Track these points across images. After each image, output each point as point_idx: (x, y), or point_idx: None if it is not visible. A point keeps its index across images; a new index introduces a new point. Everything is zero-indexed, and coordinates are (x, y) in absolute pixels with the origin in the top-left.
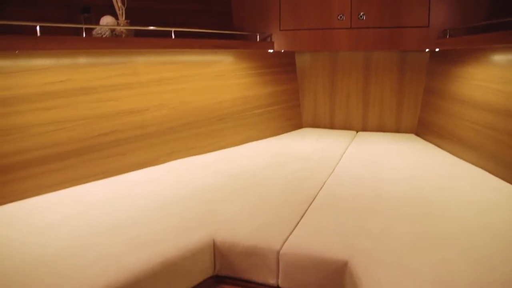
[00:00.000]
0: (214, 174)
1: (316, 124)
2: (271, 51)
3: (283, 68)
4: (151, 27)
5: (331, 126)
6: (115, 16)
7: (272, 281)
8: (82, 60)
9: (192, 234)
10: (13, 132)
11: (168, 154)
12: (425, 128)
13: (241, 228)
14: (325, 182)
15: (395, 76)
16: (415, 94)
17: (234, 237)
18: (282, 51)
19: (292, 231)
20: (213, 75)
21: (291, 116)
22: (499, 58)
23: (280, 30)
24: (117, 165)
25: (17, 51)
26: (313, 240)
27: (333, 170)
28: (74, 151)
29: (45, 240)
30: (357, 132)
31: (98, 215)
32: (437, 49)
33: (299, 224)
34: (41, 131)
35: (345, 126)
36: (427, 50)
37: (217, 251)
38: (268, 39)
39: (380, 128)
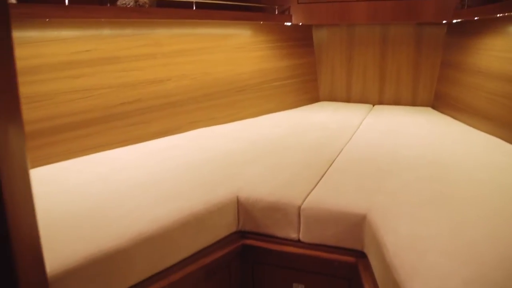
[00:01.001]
0: (235, 141)
1: (333, 97)
2: (289, 24)
3: (300, 42)
4: None
5: (348, 99)
6: None
7: (293, 235)
8: (106, 31)
9: (217, 191)
10: (42, 99)
11: (190, 123)
12: (441, 101)
13: (263, 185)
14: (343, 148)
15: (411, 50)
16: (431, 68)
17: (257, 194)
18: (300, 24)
19: (313, 188)
20: (233, 47)
21: (308, 89)
22: None
23: (298, 3)
24: (141, 132)
25: (47, 19)
26: (333, 196)
27: (351, 137)
28: (100, 119)
29: (79, 196)
30: (373, 105)
31: (127, 175)
32: (454, 21)
33: (319, 183)
34: (68, 99)
35: (362, 99)
36: (444, 22)
37: (241, 207)
38: (286, 12)
39: (397, 101)
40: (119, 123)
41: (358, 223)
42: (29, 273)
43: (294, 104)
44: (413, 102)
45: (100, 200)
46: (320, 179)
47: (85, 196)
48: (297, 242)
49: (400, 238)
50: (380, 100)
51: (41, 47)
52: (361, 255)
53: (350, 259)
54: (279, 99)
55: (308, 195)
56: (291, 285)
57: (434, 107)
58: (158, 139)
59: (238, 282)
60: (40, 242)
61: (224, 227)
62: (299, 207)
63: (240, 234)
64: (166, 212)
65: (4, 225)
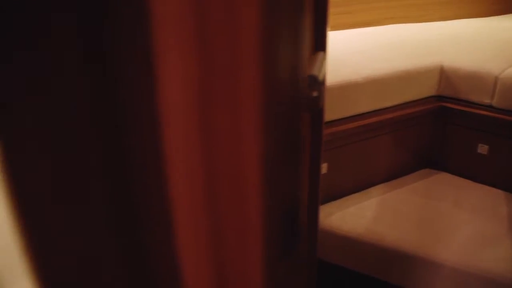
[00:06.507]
0: (431, 33)
1: None
2: None
3: None
4: None
5: None
6: None
7: (486, 101)
8: None
9: (424, 59)
10: None
11: (385, 18)
12: None
13: (465, 58)
14: None
15: None
16: None
17: (459, 63)
18: None
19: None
20: None
21: (501, 0)
22: None
23: None
24: (346, 21)
25: None
26: None
27: None
28: None
29: None
30: None
31: (345, 47)
32: None
33: None
34: None
35: None
36: None
37: (443, 74)
38: None
39: None
40: (330, 10)
41: None
42: None
43: (484, 13)
44: None
45: (334, 57)
46: None
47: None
48: (489, 107)
49: None
50: None
51: None
52: None
53: None
54: (470, 6)
55: (506, 69)
56: (477, 145)
57: None
58: (359, 28)
59: (430, 135)
60: None
61: (427, 88)
62: (496, 77)
63: (438, 97)
64: (385, 66)
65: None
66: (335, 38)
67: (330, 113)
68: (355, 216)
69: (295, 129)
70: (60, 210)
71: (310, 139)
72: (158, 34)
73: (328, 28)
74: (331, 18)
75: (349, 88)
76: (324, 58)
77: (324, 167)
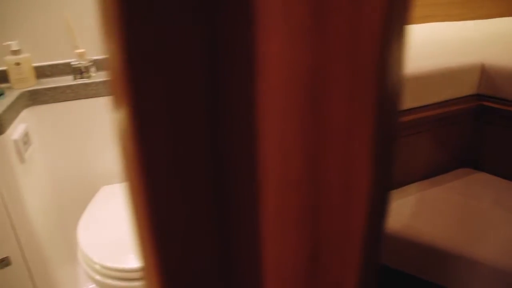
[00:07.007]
0: (471, 32)
1: None
2: None
3: None
4: None
5: None
6: None
7: None
8: None
9: (465, 57)
10: None
11: (425, 17)
12: None
13: (507, 57)
14: None
15: None
16: None
17: (500, 62)
18: None
19: None
20: None
21: None
22: None
23: None
24: None
25: None
26: None
27: None
28: None
29: None
30: None
31: None
32: None
33: None
34: None
35: None
36: None
37: (484, 73)
38: None
39: None
40: None
41: None
42: None
43: None
44: None
45: None
46: None
47: None
48: None
49: None
50: None
51: None
52: None
53: None
54: (509, 4)
55: None
56: None
57: None
58: None
59: (469, 134)
60: None
61: (467, 87)
62: None
63: (478, 96)
64: (426, 64)
65: None
66: None
67: None
68: (393, 212)
69: (395, 128)
70: (175, 187)
71: None
72: (262, 12)
73: None
74: None
75: None
76: None
77: None
